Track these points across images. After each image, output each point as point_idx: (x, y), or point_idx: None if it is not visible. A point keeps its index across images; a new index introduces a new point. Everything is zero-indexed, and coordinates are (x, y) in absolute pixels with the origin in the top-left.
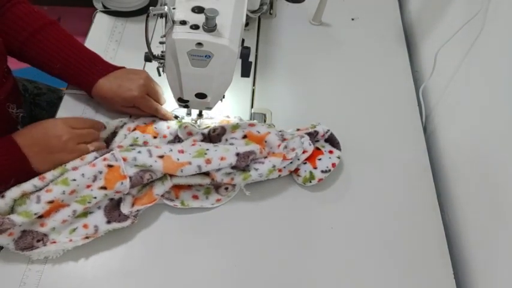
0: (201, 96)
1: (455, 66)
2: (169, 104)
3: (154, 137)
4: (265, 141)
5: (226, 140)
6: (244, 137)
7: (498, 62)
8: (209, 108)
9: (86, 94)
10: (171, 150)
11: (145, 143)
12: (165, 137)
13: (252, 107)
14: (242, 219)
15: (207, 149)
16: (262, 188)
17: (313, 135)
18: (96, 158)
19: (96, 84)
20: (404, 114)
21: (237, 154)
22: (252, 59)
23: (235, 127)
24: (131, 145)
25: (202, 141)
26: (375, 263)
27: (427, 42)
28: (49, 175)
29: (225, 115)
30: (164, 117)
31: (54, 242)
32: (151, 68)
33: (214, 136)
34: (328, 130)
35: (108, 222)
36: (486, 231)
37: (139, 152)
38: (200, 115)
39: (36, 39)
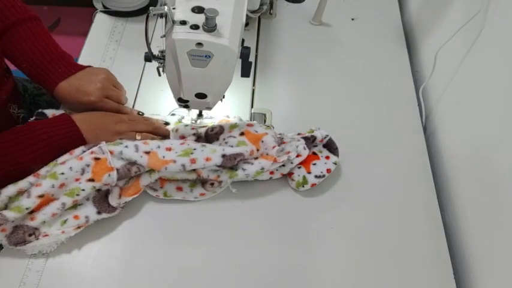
0: (201, 96)
1: (455, 66)
2: (169, 104)
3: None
4: (262, 141)
5: (224, 139)
6: (242, 134)
7: (498, 62)
8: (209, 108)
9: None
10: (159, 147)
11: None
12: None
13: (252, 107)
14: (242, 219)
15: (194, 149)
16: (261, 188)
17: (310, 140)
18: (83, 151)
19: (56, 88)
20: (404, 114)
21: (223, 156)
22: (252, 59)
23: (234, 126)
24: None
25: (196, 141)
26: (374, 262)
27: (427, 42)
28: (43, 171)
29: (224, 115)
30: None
31: (47, 235)
32: (152, 68)
33: (212, 135)
34: (327, 135)
35: (99, 212)
36: (486, 231)
37: (126, 146)
38: (200, 115)
39: (10, 33)
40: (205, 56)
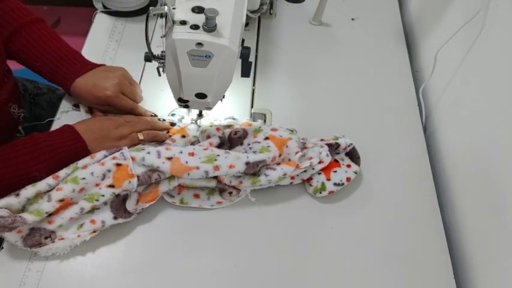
0: (201, 96)
1: (455, 66)
2: (169, 104)
3: (183, 136)
4: (286, 146)
5: (248, 144)
6: (266, 138)
7: (498, 62)
8: (209, 108)
9: None
10: (181, 152)
11: (172, 141)
12: (189, 142)
13: (252, 107)
14: (241, 219)
15: (218, 155)
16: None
17: (333, 147)
18: (105, 156)
19: (73, 84)
20: (404, 114)
21: (247, 163)
22: (252, 59)
23: (258, 131)
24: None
25: (218, 145)
26: (374, 262)
27: (427, 42)
28: (62, 173)
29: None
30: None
31: (62, 239)
32: (152, 68)
33: (235, 139)
34: (351, 144)
35: (115, 218)
36: (486, 231)
37: (148, 152)
38: (200, 115)
39: (20, 35)
40: (205, 56)
